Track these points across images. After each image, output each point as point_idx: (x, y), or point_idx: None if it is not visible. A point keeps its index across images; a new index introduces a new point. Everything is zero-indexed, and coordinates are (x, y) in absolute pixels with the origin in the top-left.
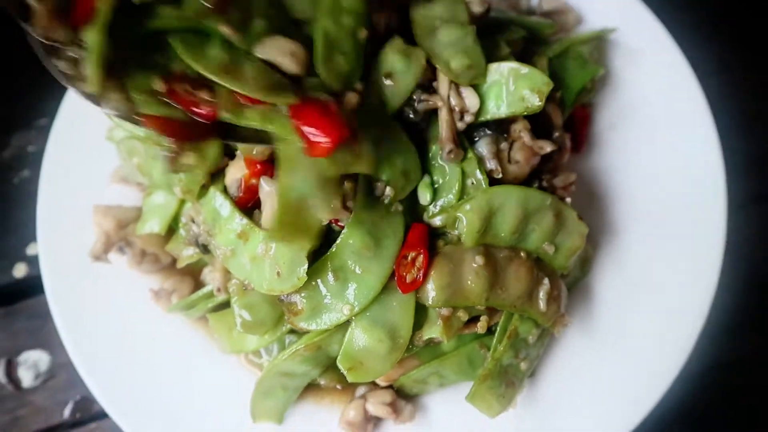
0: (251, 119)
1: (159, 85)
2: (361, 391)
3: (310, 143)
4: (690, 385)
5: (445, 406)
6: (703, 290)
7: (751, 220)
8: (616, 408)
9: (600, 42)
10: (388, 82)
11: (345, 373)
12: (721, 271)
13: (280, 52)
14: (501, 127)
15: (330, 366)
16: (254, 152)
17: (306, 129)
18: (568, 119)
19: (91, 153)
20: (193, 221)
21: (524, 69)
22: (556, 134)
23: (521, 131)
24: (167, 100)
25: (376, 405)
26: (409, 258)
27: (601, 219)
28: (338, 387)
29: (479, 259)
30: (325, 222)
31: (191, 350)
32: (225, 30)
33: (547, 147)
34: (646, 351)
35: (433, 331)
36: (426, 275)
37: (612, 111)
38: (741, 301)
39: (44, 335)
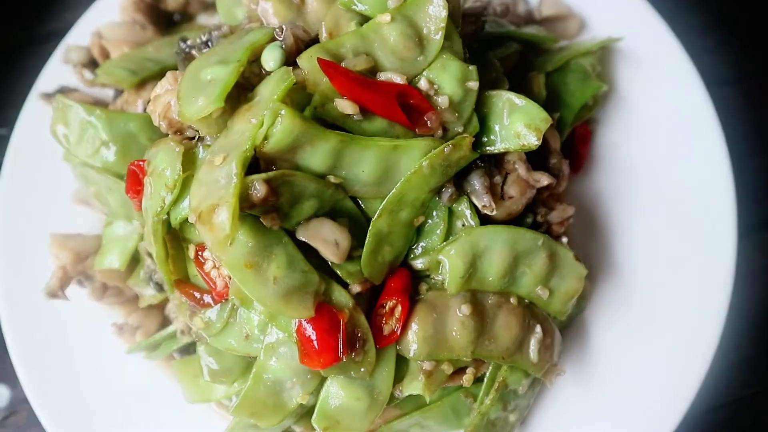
0: (257, 311)
1: (191, 253)
2: None
3: (307, 352)
4: (698, 426)
5: None
6: (708, 330)
7: (764, 246)
8: None
9: (604, 52)
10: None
11: None
12: (730, 304)
13: (322, 238)
14: (492, 159)
15: (305, 414)
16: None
17: (308, 337)
18: (568, 137)
19: (51, 172)
20: (149, 256)
21: (520, 101)
22: (553, 161)
23: (516, 163)
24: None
25: None
26: (387, 307)
27: (600, 248)
28: None
29: (465, 308)
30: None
31: (156, 389)
32: (266, 221)
33: (544, 180)
34: (646, 397)
35: (414, 387)
36: (405, 326)
37: (616, 128)
38: (749, 336)
39: (4, 369)
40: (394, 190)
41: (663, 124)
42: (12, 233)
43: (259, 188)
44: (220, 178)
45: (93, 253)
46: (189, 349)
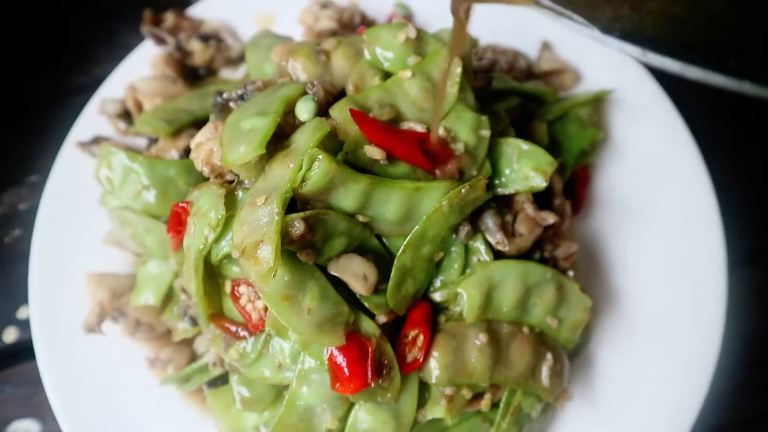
0: (292, 340)
1: (228, 288)
2: None
3: (337, 378)
4: None
5: None
6: (706, 354)
7: (753, 276)
8: None
9: (598, 103)
10: None
11: None
12: (724, 331)
13: (352, 272)
14: (503, 199)
15: None
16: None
17: (339, 364)
18: (568, 180)
19: (84, 215)
20: (184, 291)
21: (527, 147)
22: (557, 201)
23: (524, 203)
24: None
25: None
26: (410, 337)
27: (600, 283)
28: None
29: (482, 336)
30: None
31: (187, 423)
32: (302, 256)
33: (550, 219)
34: (650, 420)
35: (437, 411)
36: (427, 354)
37: (611, 171)
38: (743, 362)
39: (35, 404)
40: (417, 227)
41: (653, 167)
42: (47, 272)
43: (298, 226)
44: (262, 217)
45: (127, 290)
46: (217, 382)
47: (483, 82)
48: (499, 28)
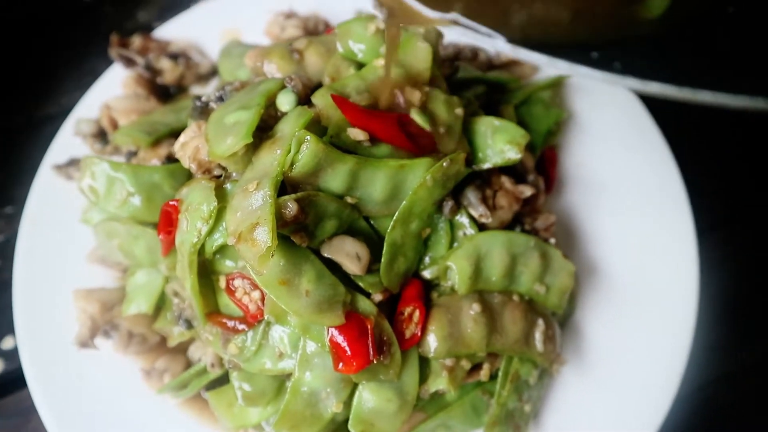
0: (291, 325)
1: (222, 283)
2: None
3: (339, 358)
4: (686, 406)
5: None
6: (685, 313)
7: (719, 241)
8: None
9: (558, 87)
10: None
11: None
12: (699, 292)
13: (345, 253)
14: (482, 176)
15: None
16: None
17: (340, 344)
18: (538, 161)
19: (65, 236)
20: (176, 295)
21: (500, 123)
22: (531, 177)
23: (502, 178)
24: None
25: None
26: (406, 313)
27: (578, 256)
28: None
29: (476, 306)
30: (337, 411)
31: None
32: (296, 239)
33: (528, 191)
34: (640, 380)
35: (439, 383)
36: (424, 329)
37: (577, 151)
38: (721, 319)
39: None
40: (405, 202)
41: (616, 144)
42: (32, 296)
43: (291, 207)
44: (254, 202)
45: (117, 303)
46: (216, 386)
47: (450, 69)
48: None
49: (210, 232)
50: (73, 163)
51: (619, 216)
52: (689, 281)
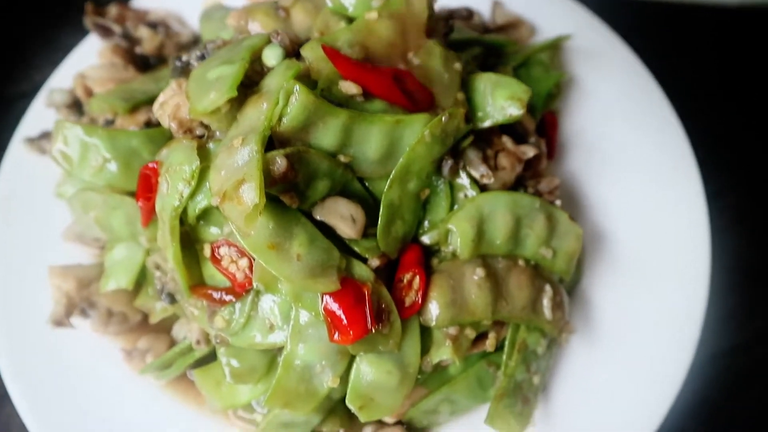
0: (282, 293)
1: (207, 252)
2: (368, 431)
3: (335, 327)
4: (700, 376)
5: None
6: (698, 277)
7: (726, 208)
8: (636, 413)
9: (557, 50)
10: None
11: (356, 412)
12: (711, 258)
13: (339, 215)
14: (483, 135)
15: (331, 411)
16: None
17: (335, 312)
18: (539, 126)
19: (40, 213)
20: (158, 268)
21: (500, 79)
22: (532, 140)
23: (503, 138)
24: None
25: None
26: (405, 280)
27: (584, 223)
28: None
29: (480, 271)
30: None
31: (170, 415)
32: (285, 199)
33: (530, 152)
34: (653, 350)
35: (442, 352)
36: (425, 296)
37: (579, 116)
38: (733, 286)
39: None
40: (402, 159)
41: (619, 108)
42: (6, 276)
43: (280, 162)
44: (239, 159)
45: (95, 279)
46: (202, 365)
47: (445, 28)
48: None
49: (192, 195)
50: (46, 136)
51: (625, 182)
52: (701, 247)
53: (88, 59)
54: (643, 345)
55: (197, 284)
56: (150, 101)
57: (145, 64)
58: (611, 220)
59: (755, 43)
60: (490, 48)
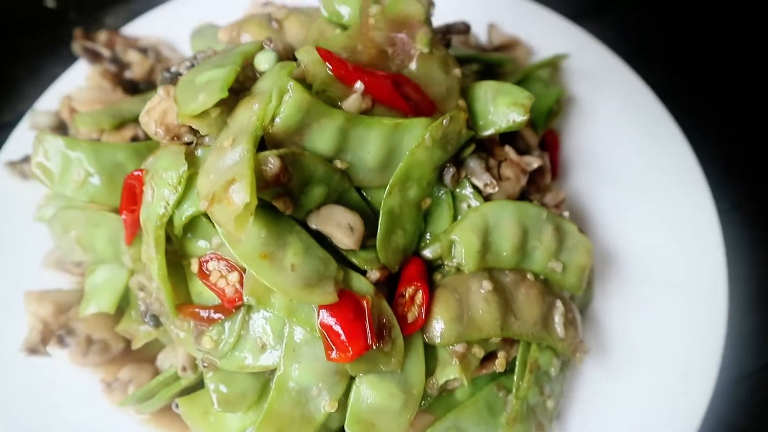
0: (275, 308)
1: (195, 267)
2: None
3: (333, 343)
4: (725, 400)
5: None
6: (717, 297)
7: (736, 222)
8: None
9: (556, 70)
10: None
11: None
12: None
13: (335, 223)
14: (485, 145)
15: None
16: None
17: (332, 327)
18: (540, 144)
19: (19, 239)
20: (142, 289)
21: (501, 85)
22: (536, 153)
23: (506, 149)
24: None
25: None
26: (407, 295)
27: (592, 242)
28: None
29: (486, 284)
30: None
31: None
32: (278, 205)
33: (534, 162)
34: (673, 374)
35: (449, 372)
36: (429, 311)
37: (580, 135)
38: (752, 306)
39: None
40: (402, 164)
41: (621, 126)
42: None
43: (273, 162)
44: (229, 160)
45: (75, 304)
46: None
47: (442, 41)
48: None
49: (179, 203)
50: (27, 159)
51: (632, 201)
52: (717, 265)
53: (74, 86)
54: (663, 368)
55: (184, 303)
56: (137, 119)
57: (134, 88)
58: (621, 240)
59: (761, 57)
60: (488, 65)
